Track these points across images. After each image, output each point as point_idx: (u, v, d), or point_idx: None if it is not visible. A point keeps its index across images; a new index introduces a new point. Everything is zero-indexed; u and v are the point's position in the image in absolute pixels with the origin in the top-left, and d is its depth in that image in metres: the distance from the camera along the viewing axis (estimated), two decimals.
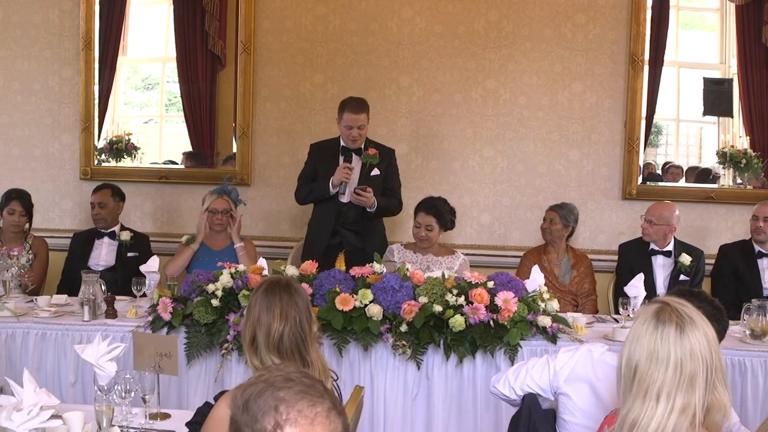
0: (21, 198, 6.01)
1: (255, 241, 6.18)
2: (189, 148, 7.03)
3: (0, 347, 4.66)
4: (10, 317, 4.67)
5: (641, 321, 2.45)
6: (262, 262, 4.85)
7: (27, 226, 6.08)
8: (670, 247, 5.85)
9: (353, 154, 5.79)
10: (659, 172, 6.93)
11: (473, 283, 4.56)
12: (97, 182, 6.45)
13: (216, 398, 2.96)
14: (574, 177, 6.68)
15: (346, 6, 6.69)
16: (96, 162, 6.92)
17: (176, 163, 7.10)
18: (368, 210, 5.75)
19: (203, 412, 3.03)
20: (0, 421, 2.63)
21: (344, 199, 5.75)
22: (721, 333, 3.23)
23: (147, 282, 5.10)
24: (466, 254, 5.94)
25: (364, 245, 5.78)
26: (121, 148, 7.01)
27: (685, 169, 6.94)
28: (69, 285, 5.91)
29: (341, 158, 5.78)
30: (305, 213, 6.18)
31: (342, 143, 5.82)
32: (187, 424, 3.13)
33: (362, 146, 5.80)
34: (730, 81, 6.77)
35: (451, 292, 4.49)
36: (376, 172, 5.81)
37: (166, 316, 4.56)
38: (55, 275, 6.24)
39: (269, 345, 2.99)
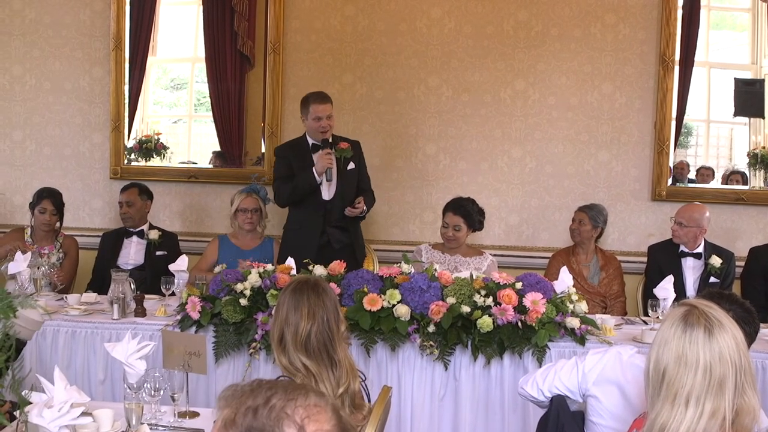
0: (52, 197, 6.07)
1: None
2: (218, 148, 7.06)
3: (31, 345, 4.68)
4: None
5: (669, 324, 2.43)
6: (290, 261, 4.86)
7: (58, 225, 6.14)
8: (700, 249, 5.81)
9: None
10: (692, 174, 6.87)
11: (501, 284, 4.55)
12: (126, 182, 6.49)
13: None
14: (603, 178, 6.64)
15: (375, 6, 6.69)
16: (126, 161, 6.96)
17: (195, 164, 7.14)
18: (359, 215, 5.82)
19: None
20: (31, 418, 2.65)
21: (326, 195, 5.75)
22: (752, 336, 3.20)
23: (176, 281, 5.11)
24: (494, 255, 5.93)
25: (350, 241, 5.83)
26: (150, 147, 7.05)
27: (722, 172, 6.87)
28: (98, 284, 5.95)
29: (316, 155, 5.75)
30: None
31: (311, 141, 5.80)
32: None
33: (331, 141, 5.78)
34: (762, 82, 6.71)
35: (479, 293, 4.48)
36: (351, 166, 5.83)
37: (195, 315, 4.58)
38: (85, 274, 6.30)
39: (297, 344, 3.01)
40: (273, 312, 3.17)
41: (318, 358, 3.03)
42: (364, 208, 5.75)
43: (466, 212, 5.66)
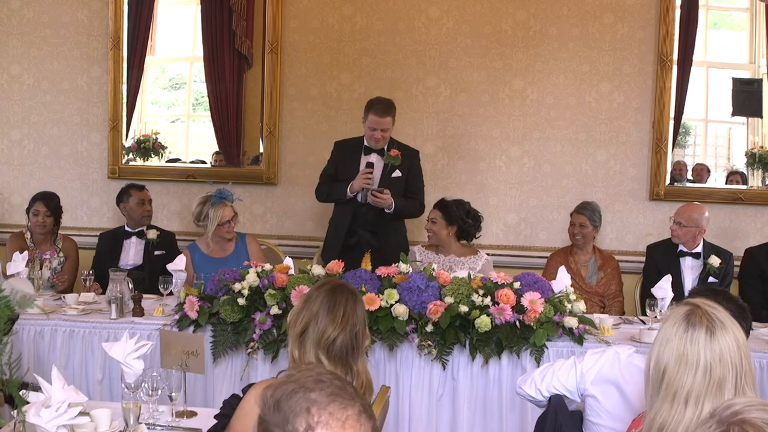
0: (45, 199, 6.03)
1: (281, 240, 6.20)
2: (216, 148, 7.05)
3: (29, 344, 4.70)
4: (38, 314, 4.68)
5: (671, 323, 2.42)
6: (288, 261, 4.86)
7: (55, 228, 6.10)
8: (699, 249, 5.80)
9: (375, 153, 5.79)
10: (689, 174, 6.88)
11: (499, 283, 4.55)
12: (125, 181, 6.49)
13: (244, 391, 2.97)
14: (601, 177, 6.64)
15: (373, 5, 6.68)
16: (124, 161, 6.95)
17: (204, 162, 7.13)
18: (386, 211, 5.75)
19: (232, 404, 3.03)
20: (29, 418, 2.65)
21: (361, 198, 5.72)
22: (745, 332, 3.21)
23: (174, 280, 5.11)
24: (492, 254, 5.93)
25: (381, 246, 5.74)
26: (148, 147, 7.05)
27: (722, 172, 6.87)
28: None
29: (363, 158, 5.78)
30: (331, 212, 6.16)
31: (365, 143, 5.82)
32: (216, 417, 3.15)
33: (385, 146, 5.80)
34: (760, 81, 6.71)
35: (477, 293, 4.48)
36: (397, 173, 5.80)
37: (193, 315, 4.58)
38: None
39: (320, 344, 2.96)
40: (301, 303, 3.12)
41: (337, 363, 3.00)
42: (391, 200, 5.67)
43: (443, 205, 5.66)
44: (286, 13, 6.72)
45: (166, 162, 7.12)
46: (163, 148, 7.09)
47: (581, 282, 5.85)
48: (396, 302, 4.45)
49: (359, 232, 5.82)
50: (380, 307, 4.43)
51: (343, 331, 2.98)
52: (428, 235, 5.74)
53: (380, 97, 5.80)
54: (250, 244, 5.79)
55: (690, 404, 2.32)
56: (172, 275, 5.12)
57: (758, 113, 6.74)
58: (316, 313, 3.01)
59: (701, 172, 6.84)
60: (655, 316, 4.87)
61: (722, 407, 1.76)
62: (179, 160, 7.15)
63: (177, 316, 4.70)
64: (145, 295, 5.04)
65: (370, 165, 5.69)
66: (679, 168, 6.80)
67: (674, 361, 2.37)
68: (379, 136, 5.71)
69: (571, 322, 4.48)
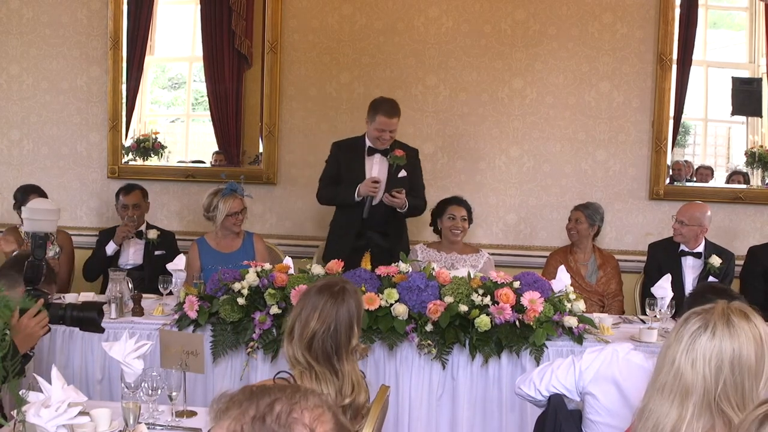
0: (36, 192, 6.01)
1: (280, 240, 6.19)
2: (216, 147, 7.05)
3: None
4: None
5: (687, 313, 2.39)
6: (287, 261, 4.86)
7: None
8: (700, 249, 5.79)
9: (379, 154, 5.77)
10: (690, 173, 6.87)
11: (499, 283, 4.55)
12: (124, 181, 6.49)
13: None
14: (601, 177, 6.64)
15: (372, 5, 6.68)
16: (123, 161, 6.95)
17: (204, 162, 7.13)
18: (399, 210, 5.72)
19: None
20: (29, 418, 2.65)
21: (365, 214, 5.69)
22: None
23: (173, 280, 5.11)
24: (492, 254, 5.94)
25: (390, 246, 5.70)
26: (148, 146, 7.04)
27: (724, 171, 6.87)
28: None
29: (367, 159, 5.75)
30: (331, 212, 6.12)
31: (368, 143, 5.79)
32: None
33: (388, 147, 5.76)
34: (759, 80, 6.71)
35: (477, 292, 4.48)
36: (403, 173, 5.77)
37: (193, 314, 4.58)
38: (81, 272, 6.28)
39: (302, 340, 3.04)
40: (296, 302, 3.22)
41: (319, 361, 3.04)
42: (405, 201, 5.67)
43: (467, 205, 5.72)
44: (285, 12, 6.72)
45: (177, 163, 7.11)
46: (163, 147, 7.08)
47: (581, 281, 5.86)
48: (396, 302, 4.45)
49: (368, 234, 5.77)
50: (380, 306, 4.44)
51: (322, 328, 3.02)
52: (456, 230, 5.72)
53: (386, 98, 5.78)
54: (256, 243, 5.83)
55: (665, 396, 2.27)
56: (171, 275, 5.13)
57: (758, 112, 6.74)
58: (300, 311, 3.10)
59: (706, 176, 6.82)
60: (655, 316, 4.87)
61: None
62: (183, 161, 7.14)
63: (177, 316, 4.70)
64: (144, 295, 5.04)
65: (375, 180, 5.66)
66: (677, 168, 6.79)
67: (665, 349, 2.34)
68: (386, 138, 5.68)
69: (571, 321, 4.49)
